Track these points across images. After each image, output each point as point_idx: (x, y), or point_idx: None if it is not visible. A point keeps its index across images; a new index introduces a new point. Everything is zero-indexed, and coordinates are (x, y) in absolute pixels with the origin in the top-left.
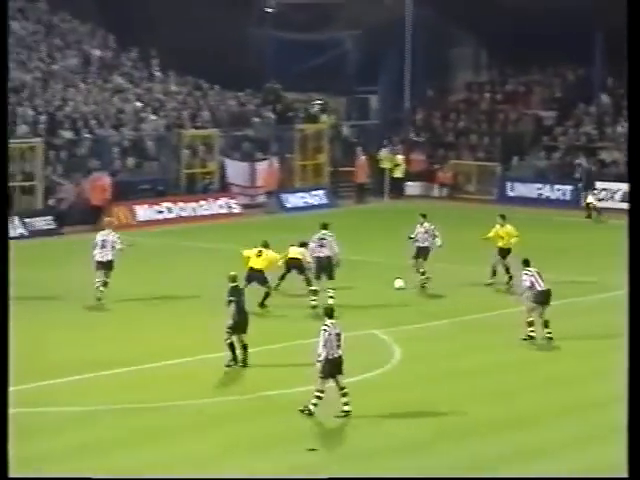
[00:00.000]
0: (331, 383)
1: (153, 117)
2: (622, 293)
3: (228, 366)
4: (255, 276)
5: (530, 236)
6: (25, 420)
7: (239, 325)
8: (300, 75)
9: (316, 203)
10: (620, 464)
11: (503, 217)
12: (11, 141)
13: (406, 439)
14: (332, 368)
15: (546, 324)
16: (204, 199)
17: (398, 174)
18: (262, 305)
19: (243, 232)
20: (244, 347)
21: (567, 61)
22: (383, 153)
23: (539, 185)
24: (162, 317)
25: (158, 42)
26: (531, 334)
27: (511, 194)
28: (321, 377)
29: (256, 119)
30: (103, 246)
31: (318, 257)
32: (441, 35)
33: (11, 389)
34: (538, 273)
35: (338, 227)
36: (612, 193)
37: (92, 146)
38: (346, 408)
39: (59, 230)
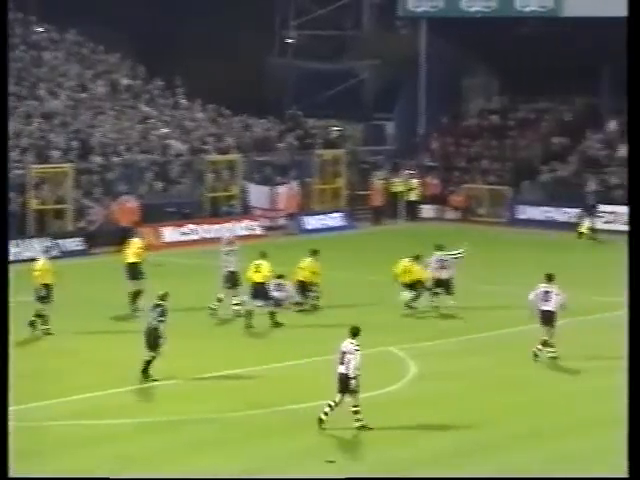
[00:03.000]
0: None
1: (179, 143)
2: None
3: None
4: (259, 290)
5: (540, 256)
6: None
7: (147, 341)
8: (320, 103)
9: (334, 225)
10: None
11: None
12: (43, 166)
13: (420, 453)
14: (338, 383)
15: (543, 342)
16: (227, 221)
17: (413, 197)
18: (277, 324)
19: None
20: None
21: (575, 90)
22: (398, 177)
23: (548, 208)
24: (187, 332)
25: (184, 71)
26: (550, 354)
27: (521, 217)
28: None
29: (280, 145)
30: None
31: (439, 279)
32: (455, 64)
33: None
34: (545, 292)
35: (356, 248)
36: (619, 216)
37: (121, 170)
38: (356, 424)
39: (89, 251)
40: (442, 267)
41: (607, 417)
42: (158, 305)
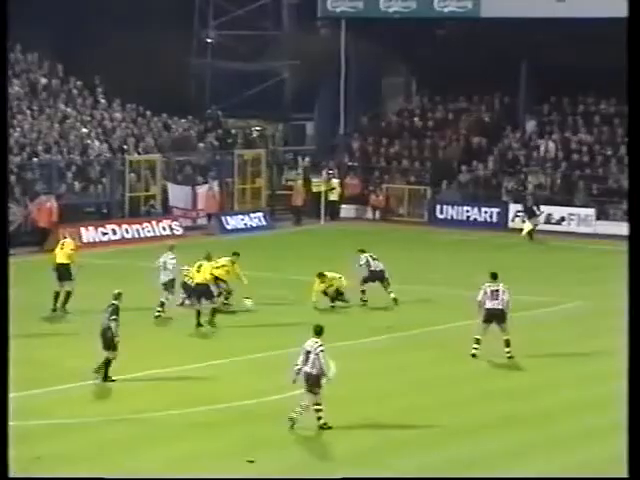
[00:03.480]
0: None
1: (98, 143)
2: (559, 309)
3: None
4: (200, 290)
5: (463, 256)
6: None
7: (102, 341)
8: (240, 103)
9: (255, 225)
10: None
11: None
12: None
13: (346, 451)
14: (305, 382)
15: (506, 343)
16: (147, 221)
17: (333, 197)
18: (212, 323)
19: (184, 252)
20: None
21: (494, 89)
22: (319, 177)
23: (467, 207)
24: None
25: (102, 71)
26: (474, 351)
27: (441, 216)
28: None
29: (200, 144)
30: (165, 268)
31: (374, 270)
32: (374, 64)
33: None
34: (494, 291)
35: (277, 247)
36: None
37: (39, 170)
38: (321, 422)
39: (8, 252)
40: (371, 263)
41: (536, 413)
42: (111, 304)
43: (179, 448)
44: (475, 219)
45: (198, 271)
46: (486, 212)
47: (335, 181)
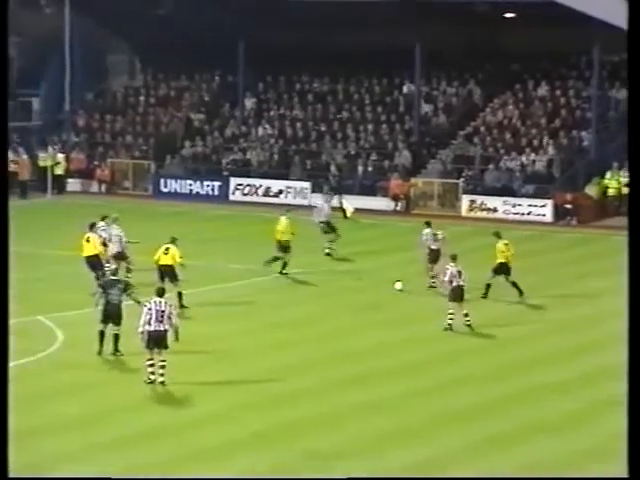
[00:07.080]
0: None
1: None
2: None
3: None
4: (166, 272)
5: (188, 227)
6: None
7: (108, 315)
8: None
9: None
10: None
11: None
12: None
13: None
14: (150, 341)
15: (465, 315)
16: None
17: (59, 172)
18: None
19: None
20: (115, 337)
21: (213, 68)
22: (45, 152)
23: (190, 181)
24: None
25: None
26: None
27: (165, 190)
28: (145, 348)
29: None
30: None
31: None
32: (99, 43)
33: None
34: (459, 271)
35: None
36: (256, 189)
37: None
38: (160, 379)
39: None
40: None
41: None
42: (117, 281)
43: None
44: (197, 192)
45: (165, 253)
46: (208, 185)
47: (61, 156)
